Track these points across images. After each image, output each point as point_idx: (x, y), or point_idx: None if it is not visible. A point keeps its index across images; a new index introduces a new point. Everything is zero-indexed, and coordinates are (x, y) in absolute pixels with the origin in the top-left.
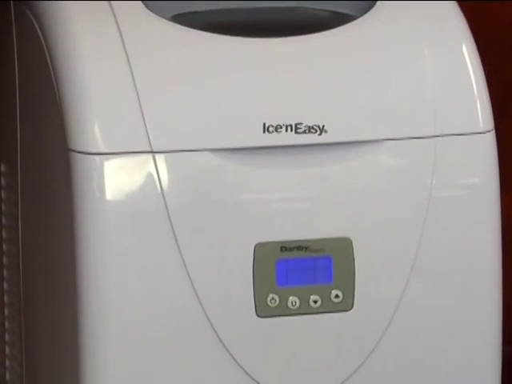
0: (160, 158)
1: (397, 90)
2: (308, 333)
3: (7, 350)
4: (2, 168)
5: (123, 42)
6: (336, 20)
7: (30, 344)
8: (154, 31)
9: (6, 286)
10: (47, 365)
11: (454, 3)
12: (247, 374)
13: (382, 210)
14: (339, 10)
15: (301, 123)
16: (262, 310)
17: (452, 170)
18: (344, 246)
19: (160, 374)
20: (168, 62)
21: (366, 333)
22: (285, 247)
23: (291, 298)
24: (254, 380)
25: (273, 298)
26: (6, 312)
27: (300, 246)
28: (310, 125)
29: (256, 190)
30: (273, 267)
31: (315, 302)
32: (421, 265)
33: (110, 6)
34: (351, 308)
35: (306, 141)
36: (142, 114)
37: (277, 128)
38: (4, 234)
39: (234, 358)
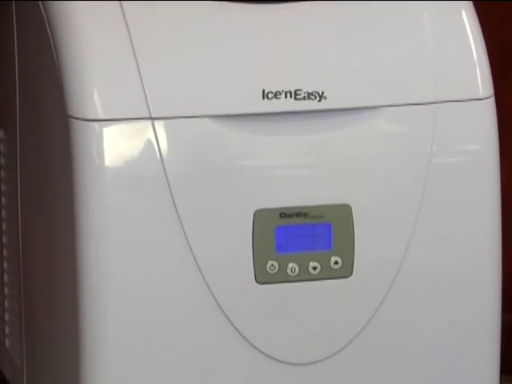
0: (159, 125)
1: (396, 56)
2: (307, 299)
3: (7, 316)
4: (1, 134)
5: (122, 9)
6: None
7: (29, 310)
8: None
9: (5, 252)
10: (47, 331)
11: None
12: (246, 340)
13: (381, 176)
14: None
15: (300, 90)
16: (262, 277)
17: (451, 136)
18: (343, 213)
19: (159, 339)
20: (167, 29)
21: (366, 299)
22: (284, 214)
23: (290, 265)
24: (254, 346)
25: (272, 265)
26: (6, 278)
27: (299, 213)
28: (310, 91)
29: (255, 156)
30: (272, 234)
31: (314, 268)
32: (420, 231)
33: None
34: (350, 274)
35: (305, 107)
36: (141, 81)
37: (276, 94)
38: (3, 201)
39: (233, 325)
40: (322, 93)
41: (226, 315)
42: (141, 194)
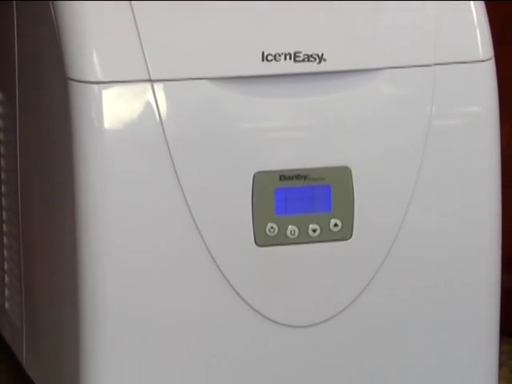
0: (158, 87)
1: (396, 18)
2: (307, 262)
3: (6, 278)
4: (0, 96)
5: None
6: None
7: (28, 273)
8: None
9: (4, 215)
10: (46, 294)
11: None
12: (246, 303)
13: (381, 138)
14: None
15: (299, 52)
16: (261, 239)
17: (451, 98)
18: (343, 175)
19: (158, 302)
20: None
21: (365, 262)
22: (284, 176)
23: (290, 227)
24: (253, 309)
25: (272, 227)
26: (5, 241)
27: (299, 175)
28: (309, 53)
29: (255, 118)
30: (272, 196)
31: (314, 230)
32: (420, 193)
33: None
34: (350, 237)
35: (304, 69)
36: (141, 43)
37: (275, 56)
38: (2, 163)
39: (233, 288)
40: (322, 55)
41: (225, 278)
42: (140, 156)
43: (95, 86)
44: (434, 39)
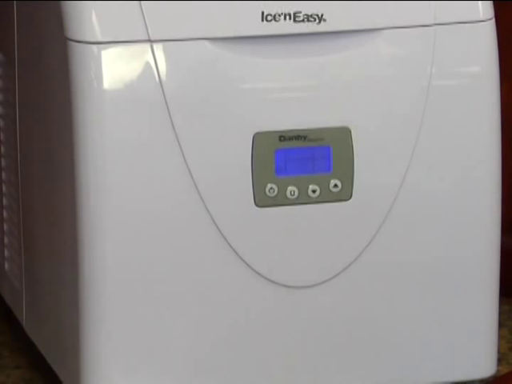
0: (158, 47)
1: None
2: (307, 222)
3: (6, 239)
4: (0, 57)
5: None
6: None
7: (28, 233)
8: None
9: (3, 175)
10: (46, 254)
11: None
12: (246, 263)
13: (381, 99)
14: None
15: (299, 12)
16: (261, 200)
17: (452, 58)
18: (343, 136)
19: (157, 263)
20: None
21: (365, 222)
22: (283, 137)
23: (290, 188)
24: (253, 270)
25: (271, 188)
26: (4, 202)
27: (299, 136)
28: (309, 13)
29: (254, 79)
30: (271, 157)
31: (314, 191)
32: (420, 154)
33: None
34: (350, 197)
35: (304, 29)
36: (140, 3)
37: (275, 16)
38: (1, 124)
39: (232, 249)
40: (322, 15)
41: (225, 239)
42: (139, 116)
43: (94, 47)
44: None
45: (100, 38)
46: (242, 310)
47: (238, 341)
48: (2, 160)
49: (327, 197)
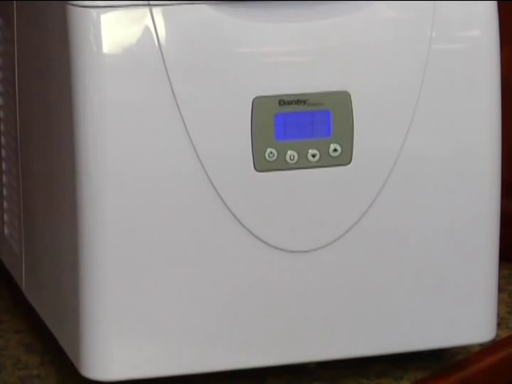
0: (157, 11)
1: None
2: (306, 187)
3: (5, 204)
4: None
5: None
6: None
7: (27, 198)
8: None
9: (2, 140)
10: (45, 218)
11: None
12: (246, 228)
13: (380, 63)
14: None
15: None
16: (260, 165)
17: (452, 22)
18: (342, 100)
19: (157, 228)
20: None
21: (364, 187)
22: (283, 101)
23: (289, 152)
24: (253, 234)
25: (271, 152)
26: (4, 166)
27: (298, 100)
28: None
29: (254, 43)
30: (271, 121)
31: (313, 156)
32: (419, 118)
33: None
34: (349, 162)
35: None
36: None
37: None
38: (1, 88)
39: (232, 213)
40: None
41: (224, 203)
42: (139, 81)
43: (93, 11)
44: None
45: (99, 2)
46: (241, 275)
47: (237, 305)
48: (1, 125)
49: (327, 161)
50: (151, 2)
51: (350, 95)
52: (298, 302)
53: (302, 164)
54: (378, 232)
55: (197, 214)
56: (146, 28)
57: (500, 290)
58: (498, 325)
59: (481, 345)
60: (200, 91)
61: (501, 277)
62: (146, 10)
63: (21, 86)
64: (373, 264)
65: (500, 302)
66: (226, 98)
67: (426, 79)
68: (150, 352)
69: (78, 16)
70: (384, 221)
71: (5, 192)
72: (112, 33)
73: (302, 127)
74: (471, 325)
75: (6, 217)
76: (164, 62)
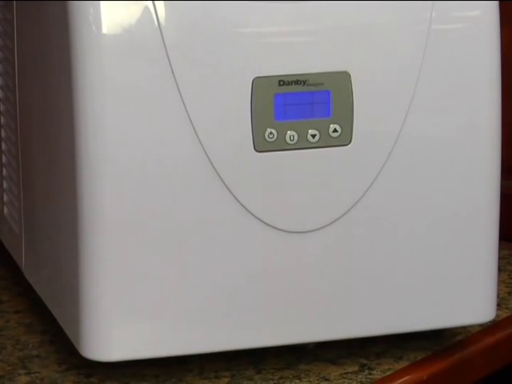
0: None
1: None
2: (306, 167)
3: (5, 184)
4: None
5: None
6: None
7: (27, 178)
8: None
9: (1, 119)
10: (45, 198)
11: None
12: (245, 209)
13: (380, 43)
14: None
15: None
16: (260, 145)
17: (451, 3)
18: (342, 80)
19: (157, 208)
20: None
21: (364, 168)
22: (283, 81)
23: (289, 133)
24: (253, 215)
25: (271, 133)
26: (3, 146)
27: (298, 80)
28: None
29: (254, 23)
30: (271, 101)
31: (313, 136)
32: (419, 99)
33: None
34: (349, 142)
35: None
36: None
37: None
38: (0, 68)
39: (232, 193)
40: None
41: (224, 184)
42: (139, 62)
43: None
44: None
45: None
46: (241, 255)
47: (236, 286)
48: (1, 105)
49: (327, 142)
50: None
51: (349, 75)
52: (297, 283)
53: (302, 144)
54: (377, 212)
55: (197, 195)
56: (146, 8)
57: (500, 270)
58: (498, 305)
59: (481, 325)
60: (200, 72)
61: (500, 257)
62: None
63: (21, 67)
64: (372, 244)
65: (500, 282)
66: (226, 78)
67: (426, 60)
68: (150, 333)
69: None
70: (383, 201)
71: (4, 172)
72: (111, 13)
73: (302, 107)
74: (471, 305)
75: (5, 197)
76: (164, 42)
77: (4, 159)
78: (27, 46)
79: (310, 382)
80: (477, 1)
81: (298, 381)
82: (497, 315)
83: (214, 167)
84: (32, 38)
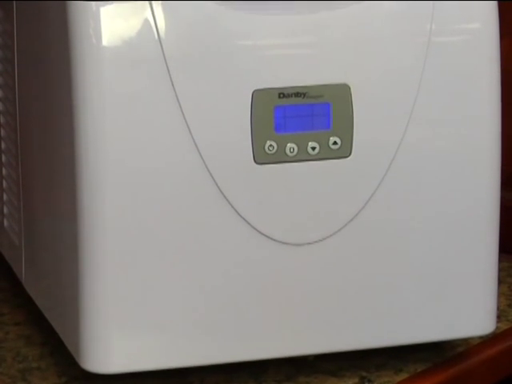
0: (157, 4)
1: None
2: (306, 180)
3: (5, 196)
4: None
5: None
6: None
7: (27, 190)
8: None
9: (2, 132)
10: (45, 210)
11: None
12: (245, 221)
13: (380, 56)
14: None
15: None
16: (260, 157)
17: (451, 14)
18: (342, 93)
19: (157, 220)
20: None
21: (364, 180)
22: (283, 93)
23: (289, 145)
24: (252, 227)
25: (271, 145)
26: (4, 159)
27: (298, 93)
28: None
29: (254, 35)
30: (271, 114)
31: (313, 148)
32: (419, 111)
33: None
34: (349, 155)
35: None
36: None
37: None
38: (1, 81)
39: (231, 206)
40: None
41: (224, 196)
42: (139, 74)
43: (93, 3)
44: None
45: None
46: (240, 267)
47: (236, 298)
48: (1, 117)
49: (326, 154)
50: None
51: (349, 88)
52: (297, 295)
53: (302, 157)
54: (377, 225)
55: (196, 207)
56: (146, 21)
57: (500, 282)
58: (498, 317)
59: (481, 337)
60: (200, 84)
61: (500, 269)
62: (146, 3)
63: (20, 79)
64: (372, 257)
65: (500, 294)
66: (226, 90)
67: (426, 72)
68: (150, 345)
69: (78, 8)
70: (384, 213)
71: (4, 184)
72: (111, 25)
73: (302, 120)
74: (471, 317)
75: (5, 209)
76: (164, 54)
77: (4, 171)
78: (27, 57)
79: None
80: (477, 13)
81: None
82: (497, 327)
83: (213, 179)
84: (32, 49)
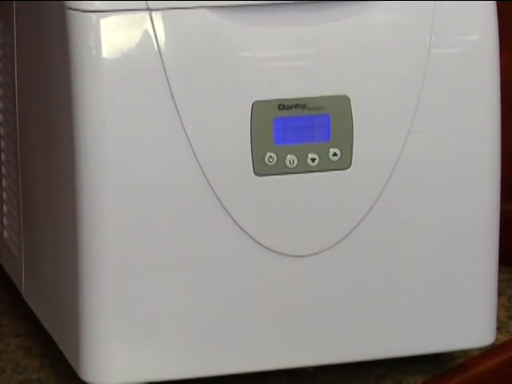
0: (157, 16)
1: None
2: (306, 191)
3: (5, 208)
4: None
5: None
6: None
7: (27, 201)
8: None
9: (2, 144)
10: (45, 222)
11: None
12: (245, 232)
13: (380, 67)
14: None
15: None
16: (260, 169)
17: (451, 26)
18: (342, 104)
19: (156, 231)
20: None
21: (364, 191)
22: (283, 105)
23: (289, 157)
24: (252, 238)
25: (271, 157)
26: (4, 170)
27: (298, 104)
28: None
29: (254, 47)
30: (270, 125)
31: (313, 160)
32: (419, 123)
33: None
34: (349, 166)
35: None
36: None
37: None
38: (0, 92)
39: (232, 218)
40: None
41: (224, 208)
42: (138, 86)
43: (93, 15)
44: None
45: (99, 7)
46: (240, 279)
47: (235, 309)
48: (1, 128)
49: (326, 165)
50: (151, 7)
51: (349, 99)
52: (297, 307)
53: (302, 168)
54: (377, 236)
55: (196, 218)
56: (146, 32)
57: (500, 294)
58: (498, 329)
59: (480, 349)
60: (199, 95)
61: (500, 281)
62: (146, 14)
63: (20, 90)
64: (372, 268)
65: (500, 306)
66: (226, 102)
67: (426, 83)
68: (150, 356)
69: (78, 20)
70: (383, 225)
71: (4, 196)
72: (111, 37)
73: (302, 131)
74: (471, 329)
75: (5, 220)
76: (164, 66)
77: (4, 182)
78: (27, 68)
79: None
80: (476, 25)
81: None
82: (497, 339)
83: (213, 191)
84: (32, 61)
